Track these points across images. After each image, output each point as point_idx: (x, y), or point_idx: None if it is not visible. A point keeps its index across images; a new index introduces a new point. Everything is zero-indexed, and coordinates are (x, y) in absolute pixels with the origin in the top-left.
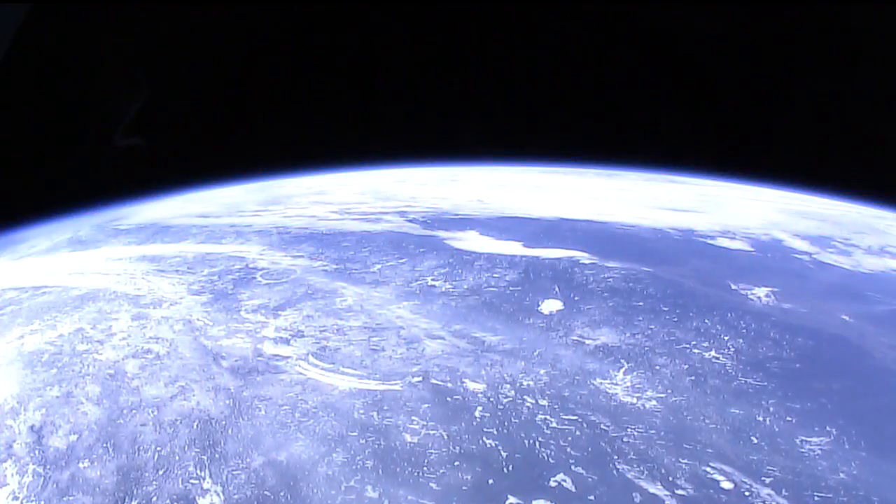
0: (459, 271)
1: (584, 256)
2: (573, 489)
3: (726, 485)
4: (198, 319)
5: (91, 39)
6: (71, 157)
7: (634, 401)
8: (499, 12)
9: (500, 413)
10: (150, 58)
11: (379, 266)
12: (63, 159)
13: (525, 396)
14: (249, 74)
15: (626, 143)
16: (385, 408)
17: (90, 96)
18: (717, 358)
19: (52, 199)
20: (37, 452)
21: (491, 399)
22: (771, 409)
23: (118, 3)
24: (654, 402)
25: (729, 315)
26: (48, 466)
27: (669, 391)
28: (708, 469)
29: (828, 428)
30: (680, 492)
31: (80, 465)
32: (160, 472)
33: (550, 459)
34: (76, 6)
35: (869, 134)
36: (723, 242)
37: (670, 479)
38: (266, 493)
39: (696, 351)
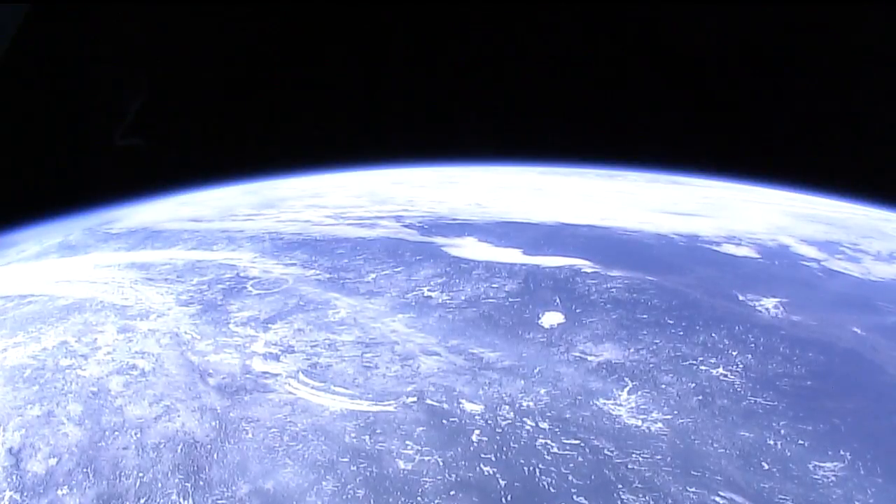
0: (457, 281)
1: (585, 265)
2: None
3: None
4: (185, 333)
5: (90, 40)
6: (68, 159)
7: (639, 423)
8: (498, 10)
9: (498, 437)
10: (146, 58)
11: (374, 275)
12: (60, 161)
13: (525, 419)
14: (244, 73)
15: (628, 143)
16: (378, 431)
17: (89, 97)
18: (726, 375)
19: (46, 200)
20: (14, 477)
21: (489, 421)
22: (782, 431)
23: (117, 3)
24: (659, 425)
25: (737, 328)
26: (25, 493)
27: (676, 412)
28: (717, 499)
29: (841, 452)
30: None
31: (59, 492)
32: (141, 501)
33: (551, 488)
34: (76, 6)
35: (874, 134)
36: (728, 249)
37: None
38: None
39: (703, 368)
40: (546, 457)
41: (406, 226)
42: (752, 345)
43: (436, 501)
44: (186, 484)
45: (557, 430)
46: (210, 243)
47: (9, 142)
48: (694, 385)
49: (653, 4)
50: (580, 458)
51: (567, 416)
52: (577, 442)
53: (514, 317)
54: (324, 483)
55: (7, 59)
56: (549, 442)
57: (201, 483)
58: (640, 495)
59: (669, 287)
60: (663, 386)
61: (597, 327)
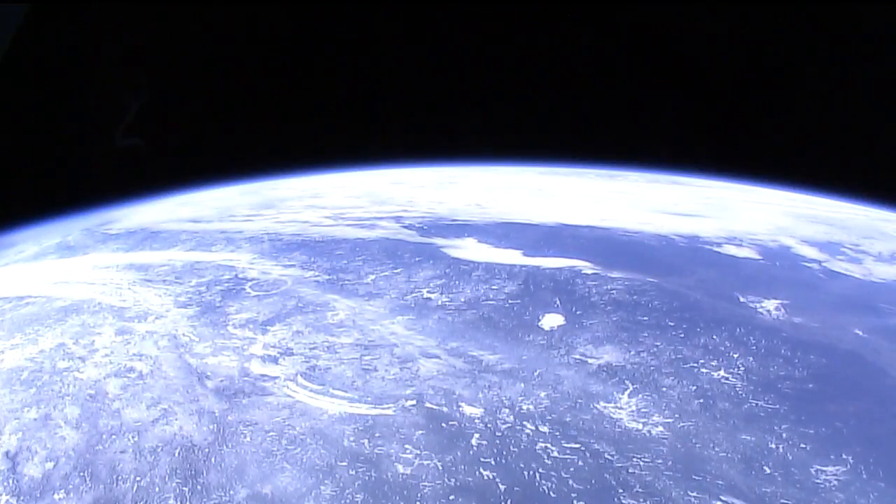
0: (456, 282)
1: (586, 266)
2: None
3: None
4: (183, 335)
5: (90, 40)
6: (68, 159)
7: (640, 427)
8: (499, 10)
9: (498, 441)
10: (145, 57)
11: (373, 277)
12: (60, 161)
13: (524, 422)
14: (244, 72)
15: (628, 143)
16: (377, 434)
17: (89, 97)
18: (727, 378)
19: (45, 201)
20: (11, 482)
21: (488, 425)
22: (784, 435)
23: (117, 3)
24: (660, 429)
25: (738, 330)
26: (22, 497)
27: (677, 416)
28: (718, 503)
29: (844, 455)
30: None
31: (56, 496)
32: None
33: (552, 493)
34: (76, 6)
35: (874, 134)
36: (729, 250)
37: None
38: None
39: (704, 370)
40: (546, 461)
41: (405, 227)
42: (754, 347)
43: None
44: (184, 488)
45: (557, 433)
46: (209, 244)
47: (8, 142)
48: (695, 388)
49: (654, 5)
50: (580, 462)
51: (567, 419)
52: (577, 446)
53: (513, 319)
54: (322, 487)
55: (7, 59)
56: (549, 446)
57: (199, 487)
58: (641, 500)
59: (670, 288)
60: (664, 389)
61: (597, 329)
